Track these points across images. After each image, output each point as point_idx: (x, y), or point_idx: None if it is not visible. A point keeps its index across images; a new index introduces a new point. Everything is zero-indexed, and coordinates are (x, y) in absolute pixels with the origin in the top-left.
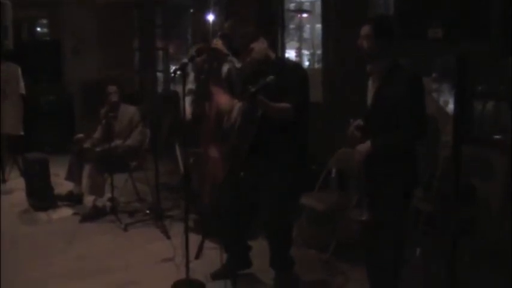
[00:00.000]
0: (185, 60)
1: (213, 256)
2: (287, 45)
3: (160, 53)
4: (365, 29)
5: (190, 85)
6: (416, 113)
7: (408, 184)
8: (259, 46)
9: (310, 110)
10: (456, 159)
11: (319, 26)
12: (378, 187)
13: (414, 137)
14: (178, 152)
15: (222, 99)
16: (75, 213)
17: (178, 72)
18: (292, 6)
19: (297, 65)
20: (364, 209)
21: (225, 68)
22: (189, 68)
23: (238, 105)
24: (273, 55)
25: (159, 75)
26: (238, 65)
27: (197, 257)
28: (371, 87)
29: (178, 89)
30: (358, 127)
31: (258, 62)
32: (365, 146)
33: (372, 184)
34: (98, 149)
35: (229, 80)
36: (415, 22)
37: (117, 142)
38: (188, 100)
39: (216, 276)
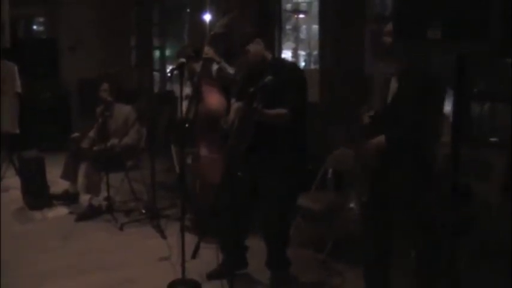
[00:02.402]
0: (182, 60)
1: (209, 256)
2: (284, 46)
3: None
4: (390, 26)
5: (188, 90)
6: (433, 115)
7: (421, 186)
8: (256, 48)
9: (306, 109)
10: (455, 159)
11: (315, 26)
12: (391, 187)
13: (429, 139)
14: (174, 152)
15: (213, 99)
16: (70, 212)
17: (175, 72)
18: (289, 6)
19: (294, 66)
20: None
21: (215, 67)
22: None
23: (235, 105)
24: (269, 56)
25: (155, 74)
26: (231, 70)
27: (193, 256)
28: (384, 85)
29: (175, 88)
30: (371, 116)
31: (254, 64)
32: (379, 139)
33: (383, 183)
34: (94, 148)
35: (221, 79)
36: (414, 22)
37: (114, 141)
38: (185, 104)
39: (211, 276)
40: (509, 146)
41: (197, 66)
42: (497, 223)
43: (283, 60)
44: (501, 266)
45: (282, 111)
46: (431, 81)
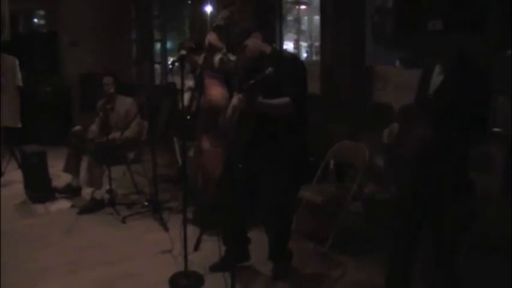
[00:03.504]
0: (183, 52)
1: (212, 248)
2: (285, 37)
3: (158, 44)
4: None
5: (190, 83)
6: (478, 114)
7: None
8: (253, 42)
9: (308, 101)
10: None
11: (317, 17)
12: (429, 185)
13: (473, 138)
14: (176, 144)
15: (215, 91)
16: (73, 206)
17: (176, 64)
18: None
19: (294, 57)
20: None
21: (217, 57)
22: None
23: (234, 99)
24: (268, 49)
25: (157, 67)
26: (232, 57)
27: (196, 249)
28: (425, 76)
29: (176, 80)
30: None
31: (252, 58)
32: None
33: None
34: (95, 141)
35: (223, 70)
36: (414, 14)
37: (115, 134)
38: (187, 97)
39: (214, 268)
40: (510, 139)
41: (199, 59)
42: (499, 216)
43: (283, 52)
44: (502, 259)
45: (285, 99)
46: (479, 76)
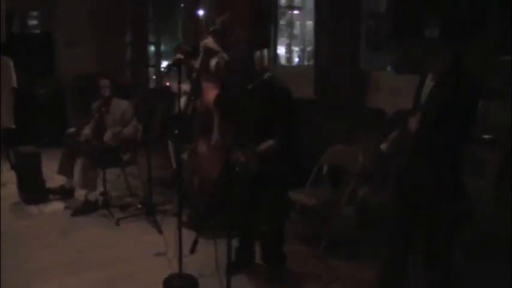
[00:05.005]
0: (180, 56)
1: (206, 251)
2: (278, 42)
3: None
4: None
5: (186, 87)
6: (466, 119)
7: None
8: (262, 55)
9: (302, 106)
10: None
11: (309, 22)
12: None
13: (458, 142)
14: (170, 147)
15: (212, 95)
16: (66, 207)
17: (173, 68)
18: (283, 2)
19: (282, 86)
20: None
21: (213, 62)
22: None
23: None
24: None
25: (151, 69)
26: (227, 58)
27: (192, 251)
28: (419, 84)
29: (171, 83)
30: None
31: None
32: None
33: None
34: (92, 144)
35: (219, 74)
36: (408, 19)
37: (114, 129)
38: (183, 101)
39: (231, 270)
40: (510, 142)
41: (195, 63)
42: (492, 219)
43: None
44: (494, 260)
45: (270, 143)
46: (470, 84)
